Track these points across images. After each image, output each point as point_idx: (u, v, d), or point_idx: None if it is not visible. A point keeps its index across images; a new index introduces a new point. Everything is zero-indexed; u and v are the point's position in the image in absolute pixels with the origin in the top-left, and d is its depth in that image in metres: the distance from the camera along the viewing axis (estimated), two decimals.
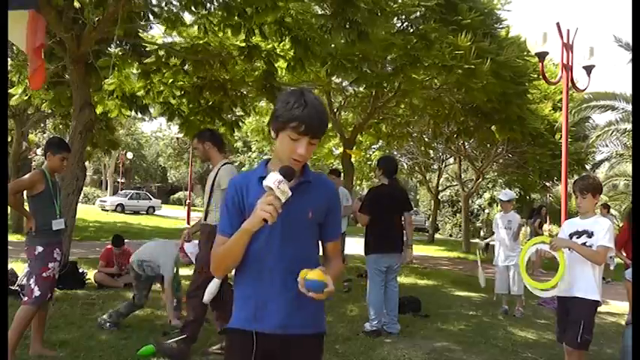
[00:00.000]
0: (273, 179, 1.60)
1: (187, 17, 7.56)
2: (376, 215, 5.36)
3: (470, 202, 23.13)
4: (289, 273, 1.69)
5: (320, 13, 7.77)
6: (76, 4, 6.35)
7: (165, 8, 7.04)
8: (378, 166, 5.70)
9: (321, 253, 1.87)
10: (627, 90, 13.99)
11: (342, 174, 6.10)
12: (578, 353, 3.52)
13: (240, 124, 10.75)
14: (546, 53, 7.95)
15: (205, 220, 4.26)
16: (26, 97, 8.59)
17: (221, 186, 4.07)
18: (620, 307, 7.98)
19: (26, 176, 4.04)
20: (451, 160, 22.16)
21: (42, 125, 20.92)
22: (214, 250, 1.75)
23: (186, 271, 6.34)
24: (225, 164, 4.30)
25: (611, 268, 11.32)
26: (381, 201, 5.39)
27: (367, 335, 5.16)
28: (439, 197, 25.10)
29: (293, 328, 1.73)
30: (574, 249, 3.52)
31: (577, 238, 3.60)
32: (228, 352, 1.87)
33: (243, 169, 31.12)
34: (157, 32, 8.63)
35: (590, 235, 3.56)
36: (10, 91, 8.08)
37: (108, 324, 4.76)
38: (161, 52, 8.14)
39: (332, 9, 6.87)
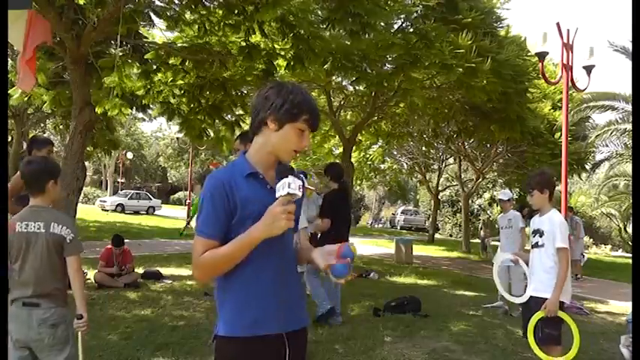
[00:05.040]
0: (297, 185, 1.52)
1: (188, 16, 7.54)
2: (335, 219, 5.37)
3: (470, 202, 23.12)
4: (284, 270, 1.71)
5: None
6: (81, 1, 6.34)
7: (168, 7, 7.04)
8: (326, 174, 5.83)
9: None
10: (627, 90, 14.03)
11: None
12: (553, 348, 3.43)
13: (241, 123, 10.74)
14: (546, 53, 7.93)
15: None
16: (26, 98, 8.58)
17: None
18: (620, 307, 7.97)
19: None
20: (451, 160, 22.15)
21: (42, 125, 20.91)
22: (204, 257, 1.59)
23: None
24: None
25: (581, 264, 11.49)
26: (340, 204, 5.50)
27: (324, 319, 5.31)
28: (439, 197, 25.08)
29: (292, 325, 1.73)
30: (556, 294, 3.34)
31: (533, 237, 3.58)
32: None
33: None
34: (157, 32, 8.63)
35: (541, 234, 3.51)
36: (10, 91, 8.07)
37: None
38: (161, 52, 8.14)
39: (334, 4, 6.84)
